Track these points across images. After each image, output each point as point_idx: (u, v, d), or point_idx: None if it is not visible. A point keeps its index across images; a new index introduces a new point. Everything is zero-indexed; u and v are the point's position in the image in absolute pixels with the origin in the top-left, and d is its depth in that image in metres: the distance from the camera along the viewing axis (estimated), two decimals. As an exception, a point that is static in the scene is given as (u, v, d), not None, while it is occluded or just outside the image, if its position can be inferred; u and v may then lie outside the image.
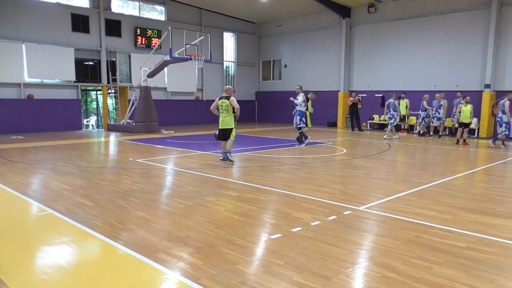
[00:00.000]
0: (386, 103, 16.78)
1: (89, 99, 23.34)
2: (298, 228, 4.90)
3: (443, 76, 18.54)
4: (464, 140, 14.01)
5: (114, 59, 20.34)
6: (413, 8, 19.40)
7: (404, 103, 16.71)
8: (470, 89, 17.51)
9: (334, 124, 22.50)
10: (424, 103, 16.97)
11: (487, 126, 17.36)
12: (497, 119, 13.89)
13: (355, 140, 15.83)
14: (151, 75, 18.24)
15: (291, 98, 13.38)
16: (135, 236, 4.63)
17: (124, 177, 8.10)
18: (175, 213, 5.58)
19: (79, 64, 19.27)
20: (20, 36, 17.39)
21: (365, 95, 21.11)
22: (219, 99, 9.45)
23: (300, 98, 13.21)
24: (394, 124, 16.51)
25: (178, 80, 22.52)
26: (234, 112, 9.37)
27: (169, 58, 17.11)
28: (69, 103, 19.00)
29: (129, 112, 19.22)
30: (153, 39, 21.25)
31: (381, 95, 20.74)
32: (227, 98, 9.33)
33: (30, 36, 17.61)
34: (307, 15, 23.71)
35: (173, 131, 18.21)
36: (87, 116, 22.30)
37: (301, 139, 13.30)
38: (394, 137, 16.31)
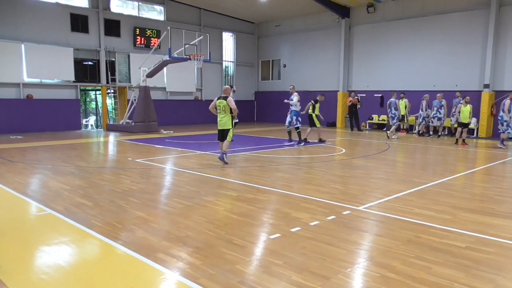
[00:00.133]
0: (388, 102, 16.82)
1: (88, 99, 23.33)
2: (297, 228, 4.89)
3: (442, 76, 18.56)
4: (464, 140, 14.02)
5: (113, 59, 20.32)
6: (412, 8, 19.41)
7: (403, 102, 16.73)
8: (469, 89, 17.52)
9: (333, 124, 22.50)
10: (424, 103, 16.98)
11: (486, 126, 17.38)
12: (498, 118, 13.90)
13: (355, 140, 15.83)
14: (150, 75, 18.23)
15: (286, 100, 13.38)
16: (134, 236, 4.63)
17: (123, 177, 8.10)
18: (174, 213, 5.58)
19: (78, 64, 19.25)
20: (19, 36, 17.37)
21: (364, 95, 21.12)
22: (217, 99, 9.44)
23: (295, 98, 13.23)
24: (397, 123, 16.55)
25: (177, 80, 22.51)
26: (231, 112, 9.36)
27: (168, 58, 17.10)
28: (68, 103, 18.98)
29: (128, 112, 19.21)
30: (152, 39, 21.24)
31: (380, 95, 20.78)
32: (225, 98, 9.31)
33: (29, 36, 17.59)
34: (306, 15, 23.71)
35: (172, 131, 18.20)
36: (86, 116, 22.29)
37: (299, 139, 13.32)
38: (393, 137, 16.32)
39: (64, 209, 5.70)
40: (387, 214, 5.57)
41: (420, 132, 17.55)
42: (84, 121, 21.17)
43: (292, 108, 13.30)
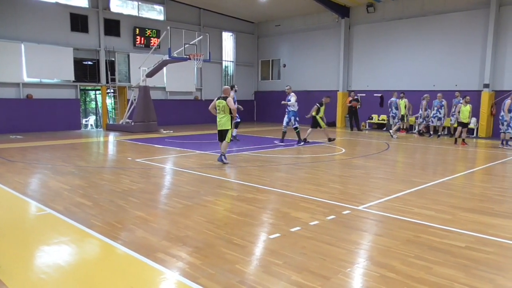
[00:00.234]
0: (388, 102, 16.83)
1: (88, 99, 23.31)
2: (297, 228, 4.90)
3: (442, 75, 18.56)
4: (463, 140, 14.03)
5: (113, 59, 20.32)
6: (412, 8, 19.41)
7: (403, 102, 16.73)
8: (469, 89, 17.53)
9: (333, 124, 22.49)
10: (424, 102, 16.99)
11: (486, 126, 17.38)
12: (499, 117, 13.88)
13: (354, 139, 15.83)
14: (150, 74, 18.23)
15: (283, 102, 13.33)
16: (134, 236, 4.63)
17: (123, 176, 8.10)
18: (174, 213, 5.58)
19: (78, 64, 19.25)
20: (19, 36, 17.36)
21: (364, 94, 21.13)
22: (217, 99, 9.42)
23: (293, 98, 13.20)
24: (399, 122, 16.58)
25: (177, 80, 22.50)
26: (231, 113, 9.34)
27: (168, 58, 17.10)
28: (68, 103, 18.98)
29: (128, 112, 19.21)
30: (152, 38, 21.24)
31: (380, 94, 20.78)
32: (224, 98, 9.28)
33: (29, 36, 17.59)
34: (306, 15, 23.71)
35: (172, 131, 18.20)
36: (86, 116, 22.27)
37: (299, 139, 13.32)
38: (394, 136, 16.33)
39: (63, 208, 5.70)
40: (386, 214, 5.57)
41: (421, 131, 17.55)
42: (84, 121, 21.16)
43: (290, 108, 13.27)
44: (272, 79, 26.57)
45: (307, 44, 23.92)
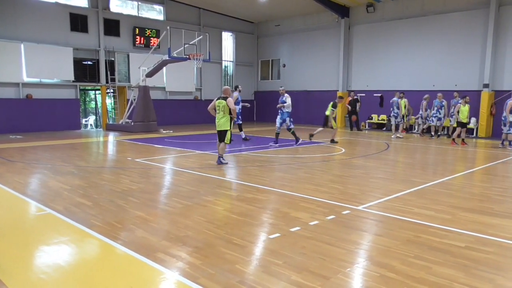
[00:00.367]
0: (390, 101, 16.84)
1: (87, 99, 23.32)
2: (297, 228, 4.90)
3: (441, 75, 18.56)
4: (463, 140, 14.03)
5: (113, 59, 20.31)
6: (412, 8, 19.41)
7: (402, 102, 16.74)
8: (469, 89, 17.53)
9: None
10: (425, 103, 17.00)
11: (485, 125, 17.39)
12: (502, 118, 13.85)
13: (354, 139, 15.84)
14: (149, 74, 18.22)
15: (279, 105, 13.23)
16: (133, 236, 4.63)
17: (122, 176, 8.10)
18: (174, 213, 5.58)
19: (78, 64, 19.24)
20: (19, 36, 17.36)
21: (364, 94, 21.13)
22: (217, 100, 9.37)
23: (288, 100, 13.14)
24: (402, 122, 16.60)
25: (177, 80, 22.50)
26: (230, 113, 9.28)
27: (167, 58, 17.09)
28: (67, 103, 18.97)
29: (127, 112, 19.20)
30: (151, 38, 21.24)
31: (379, 94, 20.78)
32: (224, 98, 9.21)
33: (29, 36, 17.58)
34: (306, 15, 23.71)
35: (171, 131, 18.20)
36: (85, 116, 22.27)
37: (296, 138, 13.32)
38: (392, 136, 16.35)
39: (63, 208, 5.70)
40: (386, 214, 5.57)
41: (424, 130, 17.56)
42: (83, 121, 21.16)
43: (285, 110, 13.20)
44: (272, 79, 26.57)
45: (307, 44, 23.92)
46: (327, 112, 14.18)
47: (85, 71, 19.72)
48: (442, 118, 16.77)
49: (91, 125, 21.75)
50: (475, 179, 8.60)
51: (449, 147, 13.64)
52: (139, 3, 21.10)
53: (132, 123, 18.12)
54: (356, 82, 22.01)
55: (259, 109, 27.08)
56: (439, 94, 16.69)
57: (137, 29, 20.76)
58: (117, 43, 20.30)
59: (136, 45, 20.87)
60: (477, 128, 17.68)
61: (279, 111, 13.26)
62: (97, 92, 21.28)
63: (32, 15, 17.64)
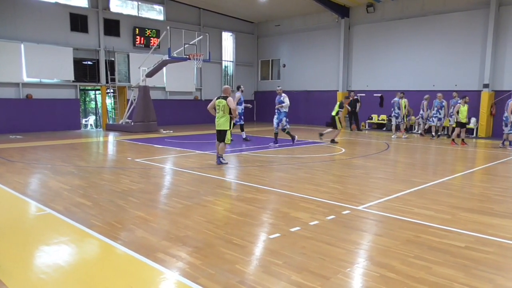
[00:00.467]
0: (392, 101, 16.84)
1: (87, 99, 23.32)
2: (297, 228, 4.90)
3: (442, 75, 18.56)
4: (463, 140, 14.03)
5: (113, 59, 20.31)
6: (412, 8, 19.41)
7: (402, 102, 16.75)
8: (469, 89, 17.53)
9: (333, 124, 22.46)
10: (425, 103, 17.00)
11: (485, 125, 17.39)
12: (503, 118, 13.83)
13: (354, 139, 15.84)
14: (149, 74, 18.22)
15: (278, 106, 13.21)
16: (133, 236, 4.63)
17: (122, 176, 8.10)
18: (174, 213, 5.58)
19: (78, 64, 19.24)
20: (19, 36, 17.36)
21: (364, 94, 21.13)
22: (217, 99, 9.34)
23: (286, 99, 13.13)
24: (403, 122, 16.61)
25: (177, 80, 22.50)
26: (230, 113, 9.25)
27: (167, 58, 17.10)
28: (67, 103, 18.97)
29: (127, 112, 19.21)
30: (151, 38, 21.24)
31: (379, 94, 20.78)
32: (225, 98, 9.17)
33: (29, 36, 17.58)
34: (306, 15, 23.71)
35: (171, 131, 18.20)
36: (85, 116, 22.28)
37: (292, 137, 13.32)
38: (392, 137, 16.35)
39: (63, 208, 5.70)
40: (386, 214, 5.57)
41: (426, 131, 17.56)
42: (83, 121, 21.16)
43: (282, 110, 13.19)
44: (272, 79, 26.56)
45: (307, 44, 23.92)
46: (334, 113, 14.22)
47: (85, 71, 19.72)
48: (442, 119, 16.77)
49: (91, 125, 21.76)
50: (475, 179, 8.60)
51: (449, 147, 13.64)
52: (139, 3, 21.10)
53: (132, 123, 18.12)
54: (356, 82, 22.01)
55: (259, 109, 27.05)
56: (439, 94, 16.68)
57: (137, 29, 20.76)
58: (117, 43, 20.30)
59: (136, 45, 20.87)
60: (477, 128, 17.68)
61: (276, 111, 13.28)
62: (97, 92, 21.28)
63: (32, 15, 17.64)
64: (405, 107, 16.90)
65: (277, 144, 13.14)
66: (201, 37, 17.81)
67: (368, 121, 21.19)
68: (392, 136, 16.33)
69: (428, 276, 3.61)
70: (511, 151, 12.78)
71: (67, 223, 5.10)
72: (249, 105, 14.97)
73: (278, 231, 4.78)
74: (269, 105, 25.77)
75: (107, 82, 20.13)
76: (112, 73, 20.29)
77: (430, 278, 3.56)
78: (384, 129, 20.07)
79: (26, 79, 17.66)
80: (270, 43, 26.17)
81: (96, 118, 22.51)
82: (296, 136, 13.49)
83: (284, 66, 25.34)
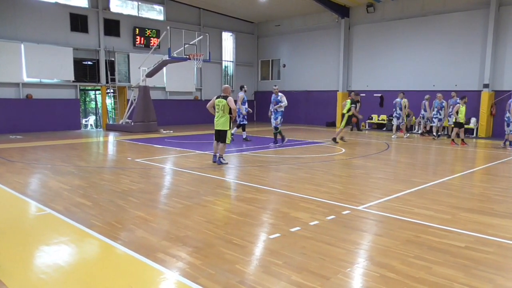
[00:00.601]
0: (394, 102, 16.83)
1: (87, 99, 23.32)
2: (297, 228, 4.90)
3: (442, 75, 18.56)
4: (463, 140, 14.04)
5: (113, 59, 20.32)
6: (412, 8, 19.41)
7: (402, 102, 16.75)
8: (469, 89, 17.53)
9: (332, 124, 22.49)
10: (426, 103, 16.99)
11: (485, 126, 17.39)
12: (505, 118, 13.81)
13: (354, 140, 15.83)
14: (149, 74, 18.22)
15: (276, 107, 13.22)
16: (133, 236, 4.63)
17: (122, 176, 8.10)
18: (174, 213, 5.58)
19: (78, 64, 19.24)
20: (19, 36, 17.36)
21: (364, 94, 21.12)
22: (216, 98, 9.31)
23: (284, 99, 13.17)
24: (403, 123, 16.61)
25: (177, 80, 22.50)
26: (230, 113, 9.23)
27: (167, 58, 17.10)
28: (67, 103, 18.97)
29: (127, 112, 19.21)
30: (151, 38, 21.24)
31: (380, 94, 20.78)
32: (225, 97, 9.14)
33: (29, 36, 17.58)
34: (306, 15, 23.72)
35: (171, 131, 18.20)
36: (85, 116, 22.28)
37: (282, 137, 13.33)
38: (392, 137, 16.34)
39: (63, 209, 5.70)
40: (386, 214, 5.57)
41: (428, 131, 17.57)
42: (83, 121, 21.16)
43: (281, 109, 13.23)
44: (272, 79, 26.56)
45: (307, 44, 23.92)
46: (344, 111, 14.22)
47: (85, 71, 19.72)
48: (442, 119, 16.77)
49: (91, 125, 21.76)
50: (475, 179, 8.60)
51: (449, 147, 13.64)
52: (139, 3, 21.10)
53: (132, 123, 18.12)
54: (356, 82, 22.01)
55: (259, 109, 27.04)
56: (439, 95, 16.66)
57: (137, 29, 20.76)
58: (117, 43, 20.30)
59: (136, 45, 20.87)
60: (477, 128, 17.68)
61: (274, 111, 13.30)
62: (97, 92, 21.28)
63: (32, 15, 17.64)
64: (405, 107, 16.90)
65: (277, 144, 13.14)
66: (201, 37, 17.82)
67: (368, 121, 21.19)
68: (392, 136, 16.34)
69: (428, 276, 3.61)
70: (511, 151, 12.79)
71: (67, 223, 5.10)
72: (249, 109, 14.96)
73: (278, 231, 4.78)
74: (270, 105, 25.82)
75: (107, 82, 20.13)
76: (112, 73, 20.29)
77: (430, 278, 3.56)
78: (384, 129, 20.07)
79: (26, 79, 17.65)
80: (270, 43, 26.18)
81: (96, 118, 22.51)
82: (287, 138, 13.46)
83: (284, 66, 25.33)
